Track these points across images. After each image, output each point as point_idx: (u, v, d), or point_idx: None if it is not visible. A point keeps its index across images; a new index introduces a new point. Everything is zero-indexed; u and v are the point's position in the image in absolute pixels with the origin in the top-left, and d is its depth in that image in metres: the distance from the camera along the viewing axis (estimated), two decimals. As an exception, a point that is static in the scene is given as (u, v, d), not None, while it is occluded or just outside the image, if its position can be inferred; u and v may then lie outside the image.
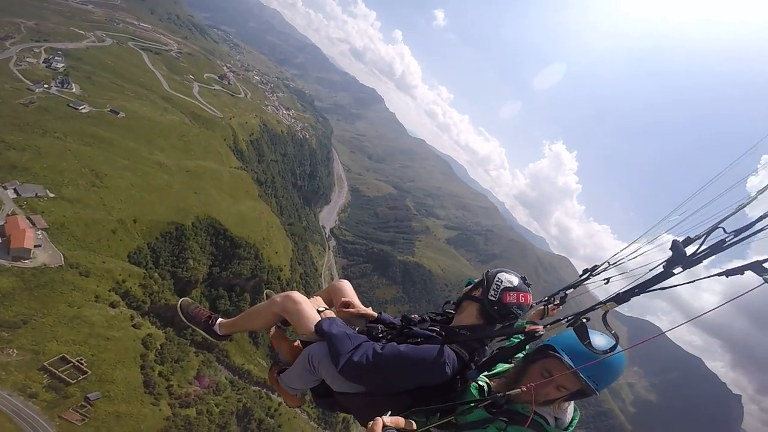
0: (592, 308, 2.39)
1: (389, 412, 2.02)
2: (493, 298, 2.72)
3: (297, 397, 3.34)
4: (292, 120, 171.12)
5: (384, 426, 1.85)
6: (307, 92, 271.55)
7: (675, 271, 2.00)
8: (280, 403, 66.86)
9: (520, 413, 2.38)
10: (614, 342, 2.16)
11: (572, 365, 2.25)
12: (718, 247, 1.94)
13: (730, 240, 1.97)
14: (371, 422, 1.87)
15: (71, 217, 55.33)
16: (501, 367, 2.96)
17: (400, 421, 1.91)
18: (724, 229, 2.05)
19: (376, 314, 3.33)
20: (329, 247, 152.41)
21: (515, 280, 2.77)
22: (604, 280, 3.10)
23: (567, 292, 3.62)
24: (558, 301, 3.64)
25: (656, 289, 2.08)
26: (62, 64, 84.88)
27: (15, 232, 47.64)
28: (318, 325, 2.90)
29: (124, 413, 45.59)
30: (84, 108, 74.36)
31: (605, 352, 2.13)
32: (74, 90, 79.23)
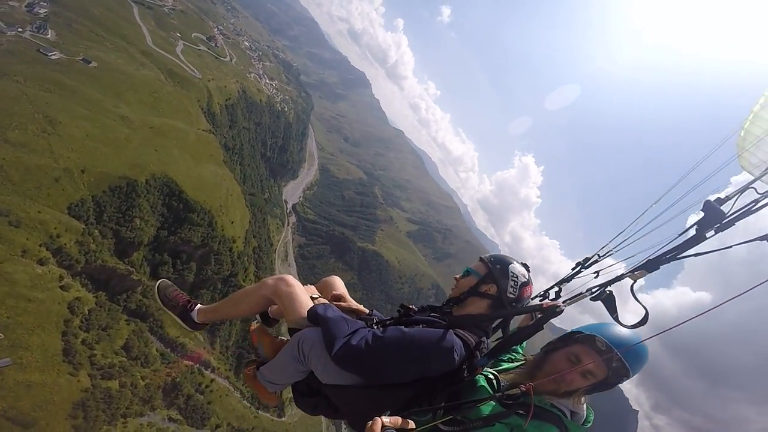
0: (619, 278, 2.14)
1: (388, 412, 1.89)
2: (513, 295, 2.57)
3: (275, 394, 2.98)
4: (274, 90, 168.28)
5: (383, 426, 1.70)
6: (295, 65, 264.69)
7: (707, 234, 1.85)
8: (212, 380, 65.45)
9: (537, 406, 2.21)
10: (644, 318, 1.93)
11: (610, 344, 2.15)
12: (751, 208, 1.81)
13: (762, 201, 1.83)
14: (369, 422, 1.72)
15: (11, 160, 52.44)
16: (507, 364, 2.78)
17: (399, 420, 1.75)
18: (756, 189, 1.91)
19: (367, 311, 3.07)
20: (288, 223, 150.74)
21: (525, 272, 2.65)
22: (593, 273, 2.72)
23: (561, 287, 3.19)
24: (553, 296, 3.21)
25: (689, 256, 1.91)
26: (45, 10, 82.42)
27: None
28: (312, 308, 2.65)
29: (36, 383, 41.72)
30: (54, 54, 73.09)
31: (634, 328, 1.98)
32: (49, 36, 77.30)
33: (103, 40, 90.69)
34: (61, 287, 49.06)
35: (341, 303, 3.08)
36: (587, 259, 2.59)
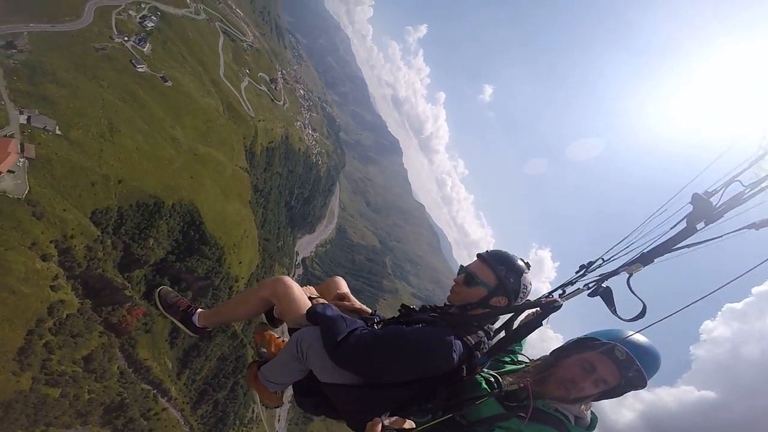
0: (614, 272, 2.21)
1: (388, 413, 1.97)
2: (520, 303, 2.63)
3: (277, 395, 3.04)
4: (313, 142, 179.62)
5: (383, 426, 1.80)
6: (338, 121, 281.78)
7: (698, 227, 1.95)
8: (164, 409, 65.03)
9: (539, 409, 2.26)
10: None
11: (632, 354, 2.17)
12: (738, 200, 1.89)
13: (748, 193, 1.89)
14: (369, 423, 1.82)
15: (62, 156, 57.06)
16: (510, 366, 2.82)
17: (399, 421, 1.84)
18: (741, 182, 1.93)
19: (370, 311, 3.17)
20: (294, 275, 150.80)
21: (530, 275, 2.67)
22: (598, 276, 2.44)
23: (565, 289, 2.79)
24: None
25: (682, 247, 2.02)
26: (152, 25, 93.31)
27: (0, 152, 48.88)
28: (311, 308, 2.73)
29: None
30: (141, 67, 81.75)
31: (632, 322, 2.07)
32: (145, 50, 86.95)
33: (185, 63, 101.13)
34: (52, 287, 50.00)
35: (344, 302, 3.19)
36: (591, 263, 2.53)
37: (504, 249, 2.81)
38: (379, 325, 2.86)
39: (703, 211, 1.96)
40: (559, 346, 2.64)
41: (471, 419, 2.40)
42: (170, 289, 3.68)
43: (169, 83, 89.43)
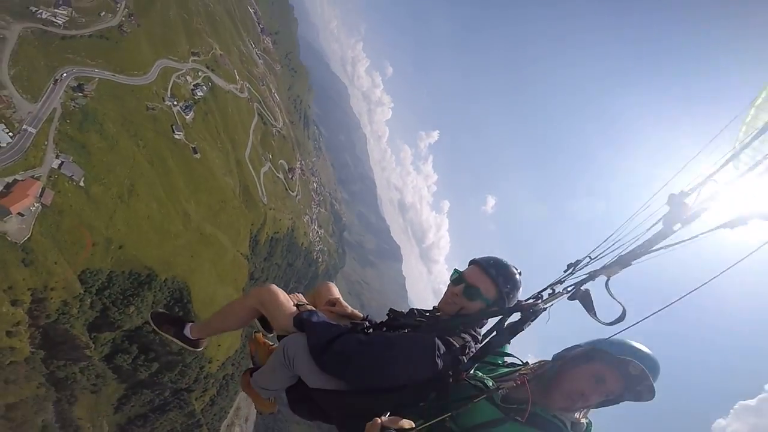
0: (592, 275, 2.38)
1: (388, 413, 2.10)
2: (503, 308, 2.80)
3: (270, 401, 3.32)
4: (317, 238, 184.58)
5: (382, 426, 1.90)
6: (344, 220, 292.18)
7: (675, 227, 2.08)
8: None
9: (537, 414, 2.38)
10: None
11: (645, 369, 2.27)
12: (714, 199, 2.01)
13: (723, 192, 2.01)
14: (369, 423, 1.94)
15: (75, 209, 58.85)
16: (504, 369, 2.99)
17: (398, 420, 1.94)
18: (716, 181, 2.07)
19: (362, 315, 3.35)
20: None
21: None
22: (586, 275, 2.59)
23: (554, 288, 2.97)
24: (546, 298, 2.97)
25: (659, 248, 2.14)
26: (201, 94, 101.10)
27: (19, 193, 51.45)
28: (297, 315, 2.96)
29: None
30: (179, 135, 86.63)
31: (612, 325, 2.21)
32: (187, 118, 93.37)
33: (218, 138, 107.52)
34: (8, 332, 50.89)
35: (335, 308, 3.42)
36: (579, 261, 2.66)
37: (496, 257, 2.97)
38: (369, 331, 3.00)
39: (679, 211, 2.10)
40: (561, 352, 2.74)
41: (464, 426, 2.50)
42: (161, 310, 4.07)
43: (198, 156, 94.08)
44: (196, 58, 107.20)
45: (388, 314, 3.24)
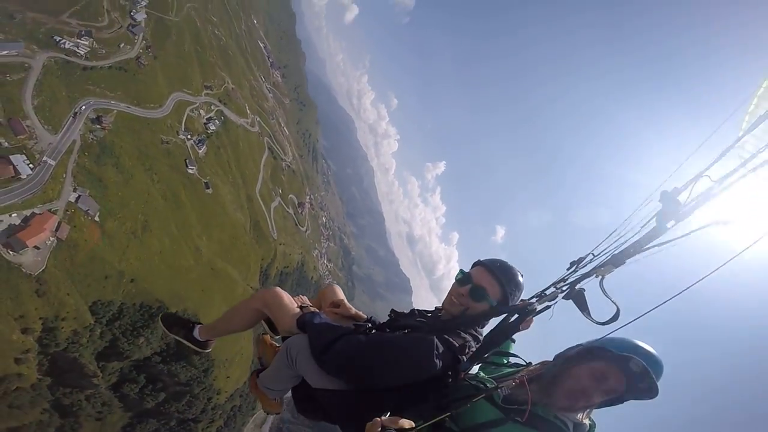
0: (586, 275, 2.42)
1: (388, 412, 2.21)
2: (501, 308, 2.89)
3: (276, 401, 3.48)
4: (327, 272, 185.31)
5: (382, 426, 1.95)
6: (353, 254, 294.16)
7: (668, 225, 2.10)
8: None
9: (538, 415, 2.41)
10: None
11: (648, 368, 2.29)
12: (707, 196, 2.03)
13: (717, 188, 2.03)
14: (369, 423, 1.99)
15: (89, 244, 60.51)
16: (507, 369, 3.05)
17: (398, 420, 2.00)
18: (710, 177, 2.08)
19: (365, 316, 3.44)
20: (282, 401, 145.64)
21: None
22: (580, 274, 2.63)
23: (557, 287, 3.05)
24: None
25: (653, 246, 2.16)
26: (214, 128, 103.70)
27: (36, 227, 53.26)
28: (300, 316, 3.06)
29: None
30: (192, 169, 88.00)
31: (606, 325, 2.23)
32: (200, 152, 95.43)
33: (229, 172, 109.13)
34: (17, 359, 52.61)
35: (339, 310, 3.50)
36: (581, 259, 2.69)
37: (501, 258, 3.03)
38: (372, 332, 3.08)
39: (672, 208, 2.11)
40: (562, 352, 2.74)
41: (464, 426, 2.53)
42: (170, 312, 4.24)
43: (210, 191, 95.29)
44: (209, 91, 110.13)
45: (389, 315, 3.34)
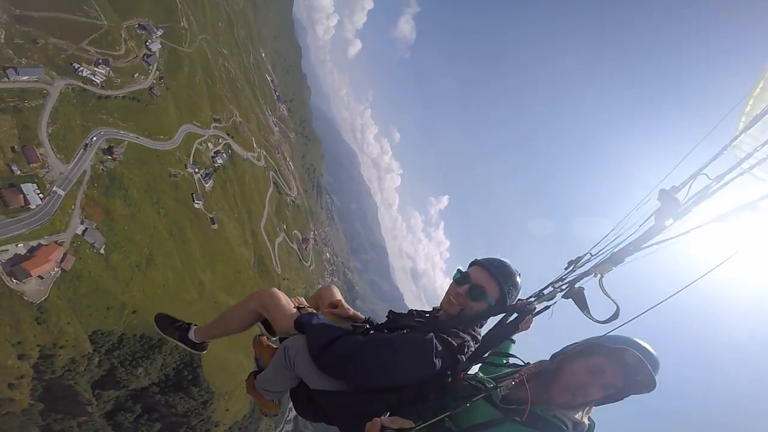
0: (585, 273, 2.47)
1: (387, 413, 2.21)
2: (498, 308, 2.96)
3: (274, 402, 3.51)
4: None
5: (382, 427, 1.99)
6: (356, 288, 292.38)
7: (666, 223, 2.16)
8: None
9: (537, 414, 2.43)
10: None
11: (643, 358, 2.33)
12: (705, 194, 2.08)
13: (715, 186, 2.08)
14: (369, 423, 2.03)
15: (93, 275, 61.47)
16: (506, 369, 3.08)
17: (398, 420, 2.04)
18: (707, 175, 2.14)
19: (363, 317, 3.45)
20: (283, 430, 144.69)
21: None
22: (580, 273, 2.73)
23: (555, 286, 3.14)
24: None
25: (652, 245, 2.22)
26: (221, 162, 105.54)
27: (41, 257, 54.29)
28: (298, 317, 3.10)
29: None
30: (198, 203, 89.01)
31: (606, 323, 2.28)
32: (207, 186, 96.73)
33: (235, 208, 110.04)
34: (10, 384, 53.38)
35: (337, 310, 3.47)
36: (579, 258, 2.71)
37: (498, 258, 3.08)
38: (370, 332, 3.09)
39: (670, 207, 2.14)
40: (558, 351, 2.73)
41: (463, 426, 2.50)
42: (165, 314, 4.15)
43: (215, 226, 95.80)
44: (217, 124, 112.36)
45: (388, 316, 3.36)
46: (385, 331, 3.09)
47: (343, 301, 3.63)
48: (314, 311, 3.30)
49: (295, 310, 3.25)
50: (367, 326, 3.22)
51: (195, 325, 4.03)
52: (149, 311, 68.94)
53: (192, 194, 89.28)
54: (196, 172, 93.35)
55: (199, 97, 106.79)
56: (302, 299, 3.60)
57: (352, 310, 3.51)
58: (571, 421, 2.44)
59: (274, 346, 3.62)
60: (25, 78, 60.71)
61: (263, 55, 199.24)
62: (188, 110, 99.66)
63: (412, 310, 3.39)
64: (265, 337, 3.75)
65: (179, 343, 3.97)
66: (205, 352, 4.16)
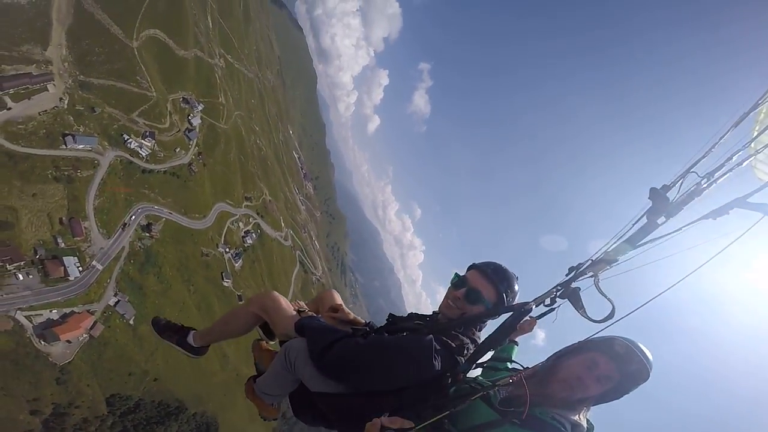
0: (581, 273, 2.57)
1: (387, 413, 2.28)
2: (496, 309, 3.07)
3: (273, 407, 3.55)
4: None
5: (382, 427, 2.07)
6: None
7: (658, 221, 2.23)
8: None
9: (535, 416, 2.48)
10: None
11: (632, 346, 2.42)
12: (695, 192, 2.16)
13: (705, 184, 2.16)
14: (369, 423, 2.11)
15: (120, 343, 63.99)
16: (505, 373, 3.09)
17: (398, 421, 2.11)
18: (697, 173, 2.19)
19: (363, 321, 3.54)
20: None
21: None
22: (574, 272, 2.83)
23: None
24: (548, 302, 3.15)
25: (645, 243, 2.30)
26: (251, 242, 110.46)
27: (72, 324, 57.66)
28: (298, 320, 3.18)
29: None
30: (227, 282, 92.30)
31: (602, 322, 2.38)
32: (237, 266, 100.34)
33: (262, 286, 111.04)
34: None
35: (337, 314, 3.56)
36: (580, 265, 2.70)
37: (496, 262, 3.20)
38: (368, 333, 3.22)
39: (661, 205, 2.23)
40: (554, 352, 2.86)
41: (462, 427, 2.61)
42: (161, 317, 4.30)
43: (242, 303, 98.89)
44: (248, 203, 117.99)
45: (388, 319, 3.49)
46: (385, 333, 3.18)
47: (344, 306, 3.74)
48: (315, 314, 3.48)
49: (295, 313, 3.41)
50: (367, 330, 3.35)
51: (193, 329, 4.12)
52: (171, 380, 72.83)
53: (221, 273, 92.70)
54: (226, 252, 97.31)
55: (233, 175, 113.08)
56: (302, 303, 3.77)
57: (352, 315, 3.65)
58: (569, 423, 2.54)
59: (274, 350, 3.77)
60: (80, 147, 65.28)
61: (291, 132, 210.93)
62: (222, 188, 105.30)
63: (411, 313, 3.51)
64: (264, 342, 3.92)
65: (178, 348, 4.06)
66: (202, 356, 4.20)
